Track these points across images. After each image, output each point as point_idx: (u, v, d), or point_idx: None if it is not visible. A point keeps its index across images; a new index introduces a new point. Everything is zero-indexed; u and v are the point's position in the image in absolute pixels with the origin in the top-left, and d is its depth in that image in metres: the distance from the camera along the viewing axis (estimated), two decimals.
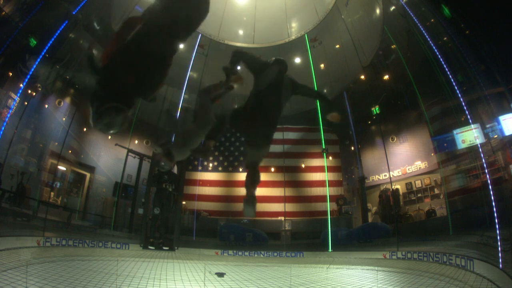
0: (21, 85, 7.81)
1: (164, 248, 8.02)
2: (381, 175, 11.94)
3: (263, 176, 12.98)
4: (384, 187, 11.53)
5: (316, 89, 3.27)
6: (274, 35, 12.17)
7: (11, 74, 8.11)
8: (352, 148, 12.73)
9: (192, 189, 12.35)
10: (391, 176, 11.19)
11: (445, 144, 9.74)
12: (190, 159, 12.75)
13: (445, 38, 8.28)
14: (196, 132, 3.08)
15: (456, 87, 7.16)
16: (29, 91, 8.46)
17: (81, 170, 11.17)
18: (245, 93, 3.04)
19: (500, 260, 4.27)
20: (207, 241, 10.59)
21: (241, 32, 12.56)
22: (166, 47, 2.34)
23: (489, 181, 6.01)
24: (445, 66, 7.40)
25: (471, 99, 7.38)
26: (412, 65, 9.38)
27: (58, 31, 7.90)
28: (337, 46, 12.09)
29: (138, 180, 10.87)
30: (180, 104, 12.00)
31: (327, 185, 10.79)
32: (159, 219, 8.37)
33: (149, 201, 8.90)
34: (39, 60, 7.69)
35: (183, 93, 12.08)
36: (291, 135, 13.24)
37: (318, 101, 3.54)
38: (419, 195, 11.01)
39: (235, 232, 10.26)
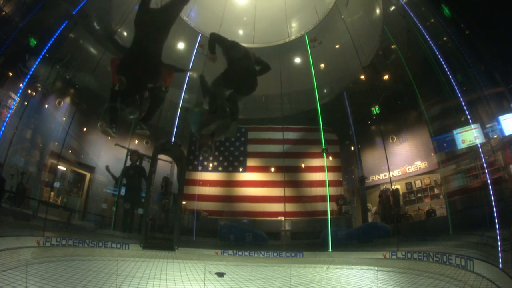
0: (21, 85, 7.79)
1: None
2: (381, 175, 11.93)
3: (263, 176, 13.17)
4: (384, 187, 11.52)
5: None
6: (274, 35, 12.17)
7: (11, 74, 8.09)
8: (352, 148, 12.73)
9: (192, 189, 12.34)
10: (391, 176, 11.17)
11: (445, 144, 9.72)
12: (190, 159, 12.75)
13: (445, 38, 8.27)
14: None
15: (456, 87, 7.16)
16: (29, 91, 8.44)
17: (81, 170, 11.16)
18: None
19: (500, 260, 4.27)
20: (207, 241, 10.58)
21: (241, 32, 12.56)
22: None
23: (489, 181, 6.01)
24: (445, 66, 7.40)
25: (471, 99, 7.37)
26: (412, 65, 9.37)
27: (58, 31, 7.91)
28: (337, 46, 12.09)
29: None
30: (180, 104, 12.01)
31: (327, 185, 10.79)
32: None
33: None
34: (39, 60, 7.69)
35: (183, 93, 12.08)
36: (291, 135, 13.24)
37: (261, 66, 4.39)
38: (419, 195, 10.99)
39: (235, 232, 10.26)
